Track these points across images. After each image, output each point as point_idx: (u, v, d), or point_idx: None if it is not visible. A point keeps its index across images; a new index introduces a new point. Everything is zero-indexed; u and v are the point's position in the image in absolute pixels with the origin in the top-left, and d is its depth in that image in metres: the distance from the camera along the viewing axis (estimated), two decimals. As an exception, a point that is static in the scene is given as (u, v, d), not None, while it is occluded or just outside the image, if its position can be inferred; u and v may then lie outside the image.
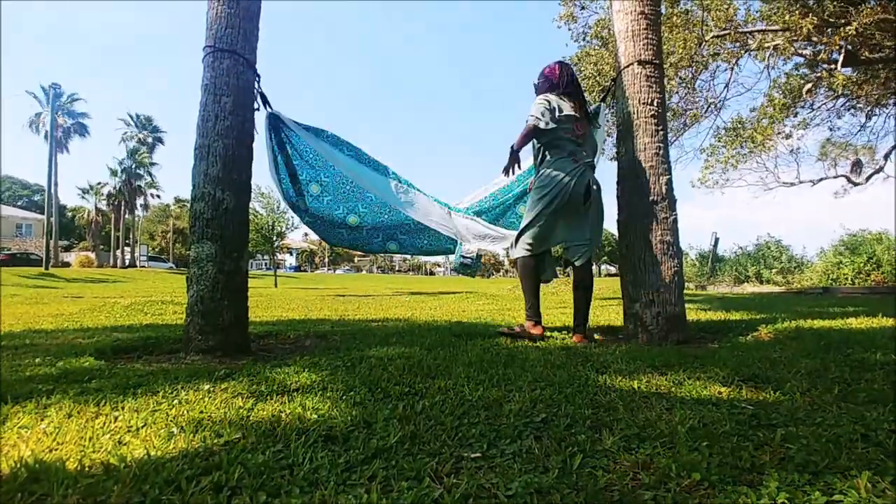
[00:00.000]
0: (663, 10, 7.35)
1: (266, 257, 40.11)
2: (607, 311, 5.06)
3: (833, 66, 7.48)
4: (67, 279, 18.91)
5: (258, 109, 2.59)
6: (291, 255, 66.29)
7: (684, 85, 8.54)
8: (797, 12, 6.72)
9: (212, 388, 1.55)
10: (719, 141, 9.14)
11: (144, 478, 0.89)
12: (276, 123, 2.92)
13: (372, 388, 1.53)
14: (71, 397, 1.44)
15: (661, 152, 2.68)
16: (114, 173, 36.08)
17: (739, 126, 8.88)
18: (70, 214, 42.10)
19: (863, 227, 12.96)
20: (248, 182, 2.45)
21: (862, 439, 1.06)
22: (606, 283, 20.99)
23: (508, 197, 3.48)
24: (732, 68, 8.46)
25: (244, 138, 2.42)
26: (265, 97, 2.75)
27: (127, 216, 37.78)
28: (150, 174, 37.38)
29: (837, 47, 6.94)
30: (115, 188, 36.29)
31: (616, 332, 3.15)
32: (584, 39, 8.80)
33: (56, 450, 1.04)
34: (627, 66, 2.77)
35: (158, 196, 39.73)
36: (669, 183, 2.68)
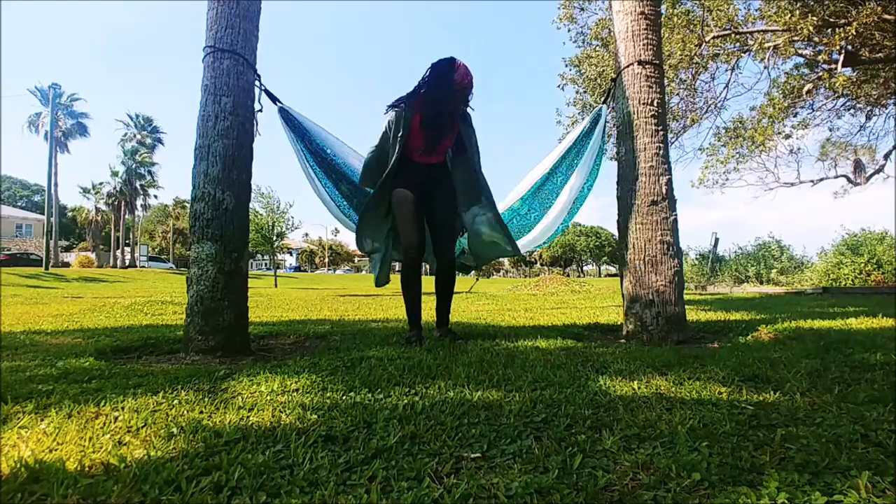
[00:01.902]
0: (663, 11, 7.35)
1: (266, 257, 40.12)
2: (607, 311, 5.06)
3: (833, 67, 7.48)
4: (67, 279, 18.92)
5: (261, 110, 2.59)
6: (291, 255, 66.33)
7: (684, 86, 8.54)
8: (798, 12, 6.72)
9: (212, 389, 1.55)
10: (719, 141, 9.15)
11: (144, 478, 0.89)
12: (287, 118, 2.91)
13: (372, 388, 1.53)
14: (71, 397, 1.44)
15: (661, 152, 2.68)
16: (114, 174, 36.10)
17: (740, 126, 8.88)
18: (70, 214, 42.09)
19: (864, 227, 12.95)
20: (248, 182, 2.45)
21: (862, 439, 1.06)
22: (606, 283, 20.98)
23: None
24: (732, 69, 8.46)
25: (244, 138, 2.42)
26: (271, 94, 2.75)
27: (127, 216, 37.78)
28: (151, 174, 37.39)
29: (838, 48, 6.94)
30: (115, 188, 36.29)
31: (616, 332, 3.15)
32: (583, 41, 8.81)
33: (56, 450, 1.04)
34: (627, 67, 2.77)
35: (157, 196, 39.77)
36: (669, 183, 2.68)
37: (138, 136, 37.10)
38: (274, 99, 2.81)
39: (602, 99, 3.22)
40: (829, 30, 6.82)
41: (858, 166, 11.70)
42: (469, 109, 2.67)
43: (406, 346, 2.46)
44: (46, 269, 21.70)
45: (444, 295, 2.80)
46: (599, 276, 62.77)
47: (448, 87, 2.47)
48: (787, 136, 9.59)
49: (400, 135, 2.54)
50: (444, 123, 2.57)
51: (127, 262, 35.99)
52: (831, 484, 0.86)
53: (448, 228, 2.70)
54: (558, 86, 9.25)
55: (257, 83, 2.57)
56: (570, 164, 3.19)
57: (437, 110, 2.52)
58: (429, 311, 2.92)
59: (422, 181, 2.67)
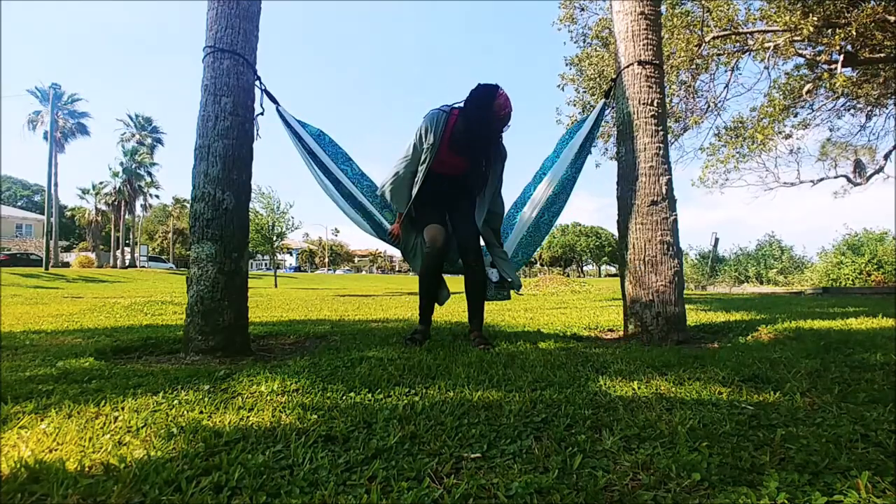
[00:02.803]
0: (664, 11, 7.34)
1: (266, 257, 40.14)
2: (607, 311, 5.06)
3: (833, 67, 7.48)
4: (67, 279, 18.91)
5: (262, 113, 2.59)
6: (291, 255, 66.34)
7: (684, 88, 8.54)
8: (798, 12, 6.72)
9: (212, 389, 1.55)
10: (720, 140, 9.14)
11: (144, 478, 0.89)
12: (285, 121, 2.91)
13: (372, 388, 1.53)
14: (71, 397, 1.44)
15: (661, 152, 2.68)
16: (115, 175, 36.11)
17: (740, 125, 8.88)
18: (70, 214, 42.09)
19: (866, 227, 12.96)
20: (248, 182, 2.45)
21: (862, 439, 1.06)
22: (606, 283, 20.98)
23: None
24: (732, 69, 8.45)
25: (244, 138, 2.42)
26: (271, 95, 2.74)
27: (127, 216, 37.78)
28: (150, 174, 37.38)
29: (838, 48, 6.94)
30: (115, 188, 36.30)
31: (616, 332, 3.15)
32: (584, 41, 8.81)
33: (56, 450, 1.04)
34: (627, 67, 2.77)
35: (157, 196, 39.76)
36: (669, 183, 2.68)
37: (138, 136, 37.08)
38: (274, 100, 2.80)
39: (600, 97, 3.21)
40: (830, 30, 6.82)
41: (858, 166, 11.70)
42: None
43: (409, 343, 2.49)
44: (46, 269, 21.70)
45: (476, 299, 2.70)
46: (599, 276, 62.82)
47: (487, 110, 2.40)
48: (788, 136, 9.59)
49: (432, 143, 2.51)
50: (473, 147, 2.54)
51: (127, 263, 35.99)
52: (831, 484, 0.86)
53: (473, 243, 2.66)
54: (558, 86, 9.25)
55: (258, 84, 2.57)
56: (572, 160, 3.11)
57: (469, 132, 2.48)
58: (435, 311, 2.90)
59: (444, 191, 2.69)
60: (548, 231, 3.16)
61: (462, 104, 2.49)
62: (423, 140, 2.56)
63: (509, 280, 2.79)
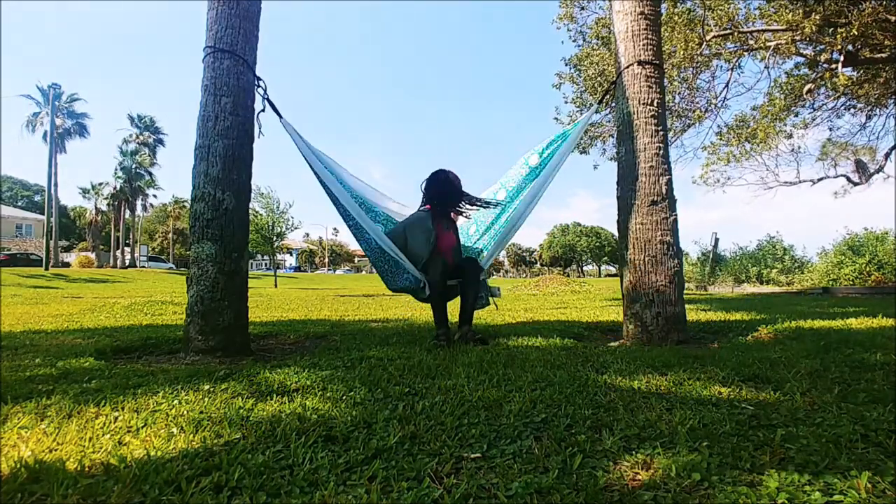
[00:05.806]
0: (664, 10, 7.34)
1: (266, 257, 40.15)
2: (607, 311, 5.06)
3: (834, 66, 7.48)
4: (67, 279, 18.91)
5: (263, 110, 2.57)
6: (291, 255, 66.34)
7: (686, 85, 8.53)
8: (800, 12, 6.72)
9: (212, 389, 1.55)
10: (721, 138, 9.13)
11: (144, 478, 0.89)
12: (290, 130, 2.87)
13: (372, 388, 1.53)
14: (71, 397, 1.44)
15: (661, 152, 2.68)
16: (117, 177, 36.11)
17: (742, 123, 8.87)
18: (71, 215, 42.09)
19: (867, 227, 12.93)
20: (248, 182, 2.45)
21: (862, 439, 1.06)
22: (606, 283, 20.98)
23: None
24: (733, 68, 8.45)
25: (244, 138, 2.42)
26: (273, 105, 2.71)
27: (127, 216, 37.77)
28: (150, 175, 37.35)
29: (838, 47, 6.94)
30: (115, 188, 36.30)
31: (616, 332, 3.15)
32: (583, 40, 8.81)
33: (56, 450, 1.04)
34: (627, 67, 2.77)
35: (156, 196, 39.73)
36: (669, 183, 2.68)
37: (140, 138, 37.05)
38: (277, 112, 2.75)
39: (598, 98, 3.22)
40: (831, 29, 6.82)
41: (860, 166, 11.69)
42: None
43: (437, 345, 2.51)
44: (46, 269, 21.67)
45: (469, 299, 2.83)
46: (599, 276, 62.83)
47: (448, 183, 2.99)
48: (789, 136, 9.59)
49: (431, 237, 2.88)
50: (447, 214, 3.04)
51: (127, 263, 35.97)
52: (831, 484, 0.86)
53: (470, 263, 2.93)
54: (554, 85, 9.24)
55: (259, 91, 2.55)
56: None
57: (444, 202, 3.01)
58: (430, 311, 2.90)
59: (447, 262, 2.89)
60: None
61: (431, 188, 3.03)
62: (415, 227, 2.93)
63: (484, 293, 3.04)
